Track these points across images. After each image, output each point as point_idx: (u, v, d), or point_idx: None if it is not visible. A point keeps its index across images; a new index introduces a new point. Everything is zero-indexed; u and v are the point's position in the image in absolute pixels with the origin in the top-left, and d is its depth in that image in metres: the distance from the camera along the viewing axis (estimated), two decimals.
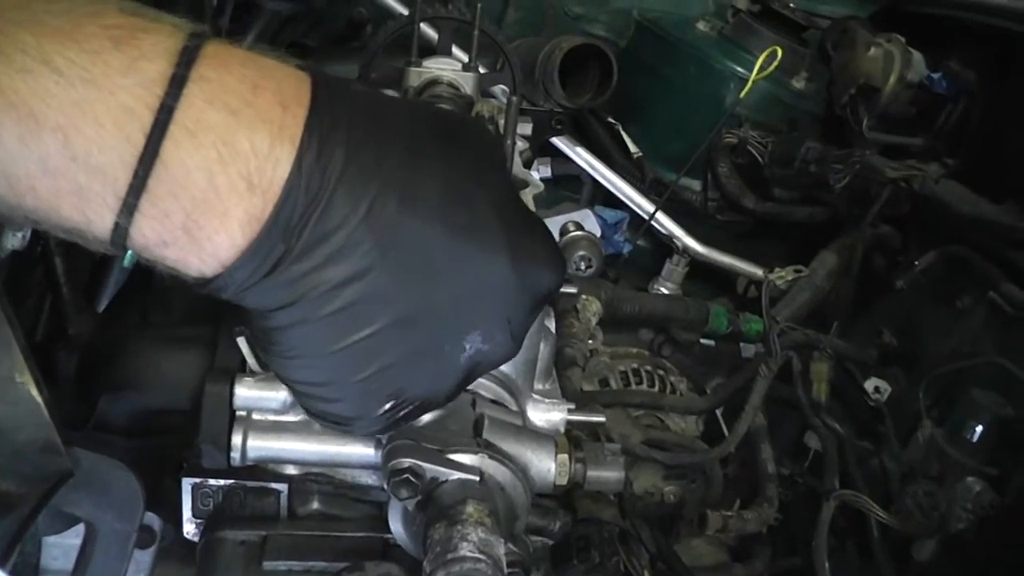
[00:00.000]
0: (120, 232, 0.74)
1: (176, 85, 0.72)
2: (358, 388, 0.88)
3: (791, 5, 2.61)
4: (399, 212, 0.81)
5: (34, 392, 0.99)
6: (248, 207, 0.76)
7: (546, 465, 1.11)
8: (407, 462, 0.99)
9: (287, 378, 0.92)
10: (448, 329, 0.89)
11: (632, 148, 2.68)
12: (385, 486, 1.00)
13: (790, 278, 2.35)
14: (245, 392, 1.10)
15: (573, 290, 1.40)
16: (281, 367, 0.90)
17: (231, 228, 0.76)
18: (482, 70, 1.97)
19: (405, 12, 2.41)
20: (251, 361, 0.99)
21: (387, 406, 0.90)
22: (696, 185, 2.69)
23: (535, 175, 1.76)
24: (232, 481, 1.20)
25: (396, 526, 1.08)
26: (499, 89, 2.27)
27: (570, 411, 1.25)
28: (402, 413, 0.92)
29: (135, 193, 0.72)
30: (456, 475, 1.00)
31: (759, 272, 2.52)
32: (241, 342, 1.00)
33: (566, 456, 1.12)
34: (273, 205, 0.76)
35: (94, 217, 0.74)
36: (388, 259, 0.82)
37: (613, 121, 2.73)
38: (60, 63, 0.68)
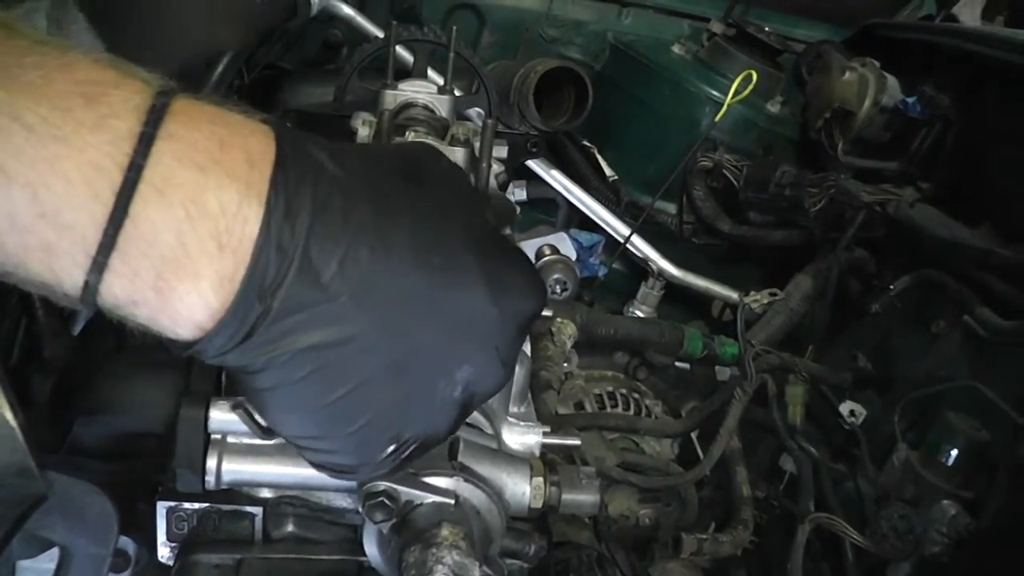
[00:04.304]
0: (90, 290, 0.73)
1: (145, 143, 0.71)
2: (355, 437, 0.87)
3: (766, 29, 2.63)
4: (371, 262, 0.81)
5: (8, 415, 0.98)
6: (219, 268, 0.75)
7: (521, 488, 1.11)
8: (382, 485, 0.99)
9: (283, 434, 0.91)
10: (438, 368, 0.88)
11: (607, 171, 2.70)
12: (360, 509, 1.00)
13: (765, 301, 2.36)
14: (220, 415, 1.09)
15: (548, 313, 1.40)
16: (276, 423, 0.89)
17: (203, 289, 0.75)
18: (457, 93, 1.97)
19: (381, 35, 2.42)
20: (253, 429, 0.99)
21: (389, 450, 0.89)
22: (671, 208, 2.70)
23: (511, 198, 1.76)
24: (207, 504, 1.19)
25: (371, 549, 1.08)
26: (474, 112, 2.28)
27: (545, 434, 1.25)
28: (406, 454, 0.91)
29: (104, 251, 0.71)
30: (431, 498, 1.00)
31: (734, 295, 2.54)
32: (240, 414, 1.00)
33: (541, 479, 1.12)
34: (245, 265, 0.75)
35: (63, 274, 0.73)
36: (366, 310, 0.81)
37: (588, 144, 2.74)
38: (31, 120, 0.68)
